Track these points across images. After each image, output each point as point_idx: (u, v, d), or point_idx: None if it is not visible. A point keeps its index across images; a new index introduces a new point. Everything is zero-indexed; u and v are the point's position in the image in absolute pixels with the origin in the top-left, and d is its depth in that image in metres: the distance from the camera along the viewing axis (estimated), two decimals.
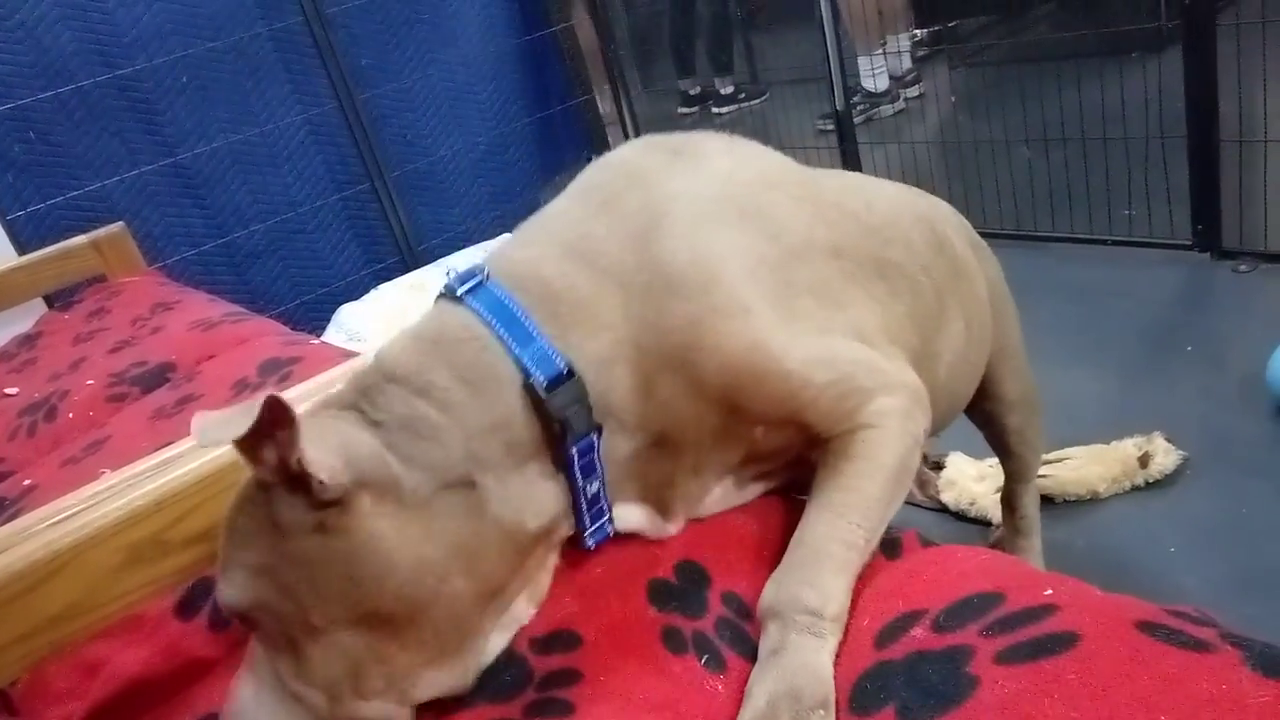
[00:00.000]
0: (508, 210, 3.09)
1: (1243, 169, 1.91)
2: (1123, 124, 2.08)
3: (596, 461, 0.64)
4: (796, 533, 0.65)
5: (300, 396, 0.77)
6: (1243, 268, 1.92)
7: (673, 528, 0.72)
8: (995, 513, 1.42)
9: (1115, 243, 2.14)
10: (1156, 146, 2.04)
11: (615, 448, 0.66)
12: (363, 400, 0.61)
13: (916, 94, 3.44)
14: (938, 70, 3.47)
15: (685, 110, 4.69)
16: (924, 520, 1.51)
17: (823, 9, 2.51)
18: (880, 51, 3.36)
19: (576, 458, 0.63)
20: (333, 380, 0.80)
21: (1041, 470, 1.38)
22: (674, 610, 0.65)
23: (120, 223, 2.11)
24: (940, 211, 1.01)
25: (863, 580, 0.64)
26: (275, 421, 0.51)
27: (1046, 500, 1.40)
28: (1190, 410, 1.56)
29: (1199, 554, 1.29)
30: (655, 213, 0.68)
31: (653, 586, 0.68)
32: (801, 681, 0.55)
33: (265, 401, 0.50)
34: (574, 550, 0.71)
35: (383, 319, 2.39)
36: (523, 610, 0.66)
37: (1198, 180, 1.96)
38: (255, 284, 2.72)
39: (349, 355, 1.30)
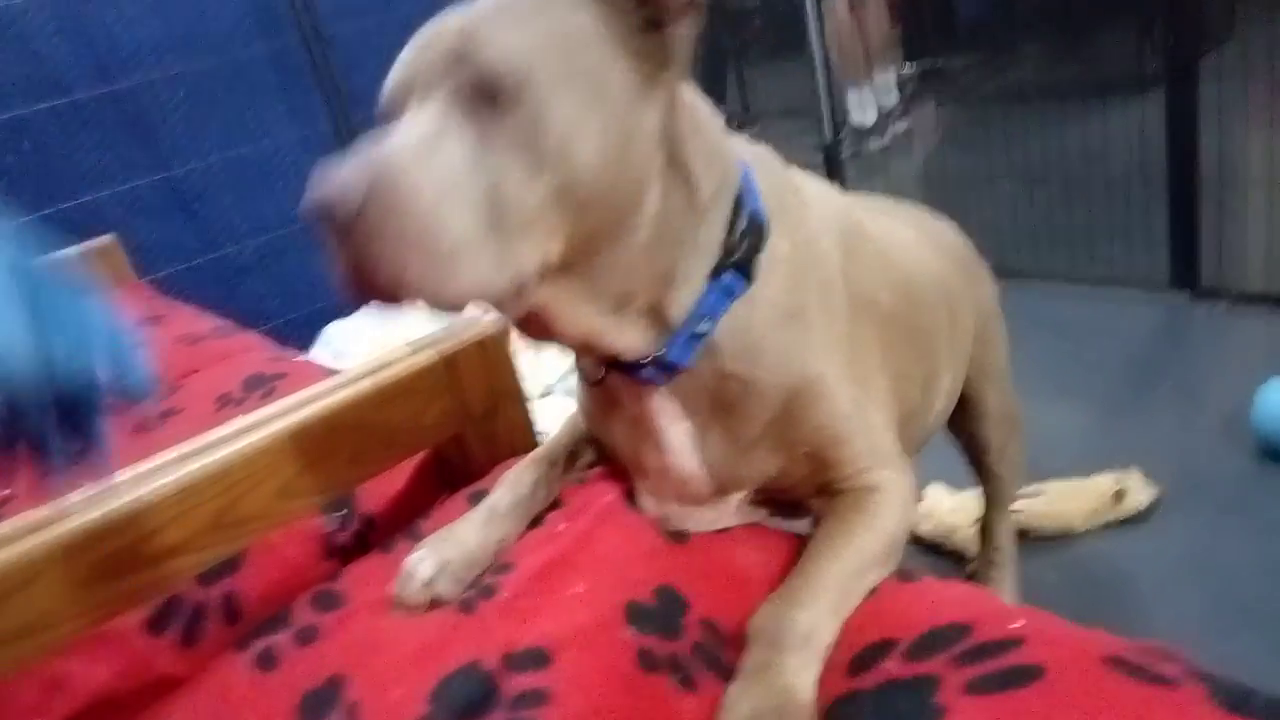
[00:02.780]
0: None
1: (1222, 210, 1.94)
2: (1104, 164, 2.12)
3: (720, 314, 0.66)
4: (798, 565, 0.67)
5: (280, 412, 0.78)
6: (1220, 307, 1.95)
7: (701, 481, 0.73)
8: (972, 545, 1.43)
9: (1097, 281, 2.17)
10: (1138, 187, 2.07)
11: (710, 370, 0.68)
12: None
13: (904, 129, 3.48)
14: (925, 107, 3.52)
15: None
16: None
17: (814, 44, 2.55)
18: (868, 86, 3.41)
19: (723, 281, 0.65)
20: (314, 396, 0.80)
21: (1018, 504, 1.39)
22: (650, 632, 0.66)
23: (111, 235, 2.11)
24: (945, 241, 1.07)
25: None
26: None
27: (1022, 534, 1.41)
28: (1167, 447, 1.57)
29: (1173, 590, 1.30)
30: (808, 199, 0.74)
31: (631, 609, 0.68)
32: (785, 701, 0.57)
33: None
34: (552, 566, 0.72)
35: (368, 337, 2.39)
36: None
37: (1177, 220, 1.99)
38: (244, 299, 2.72)
39: (333, 373, 1.31)
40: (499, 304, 0.58)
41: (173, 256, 2.56)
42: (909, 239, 0.95)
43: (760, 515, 0.78)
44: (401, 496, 0.91)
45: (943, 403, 0.99)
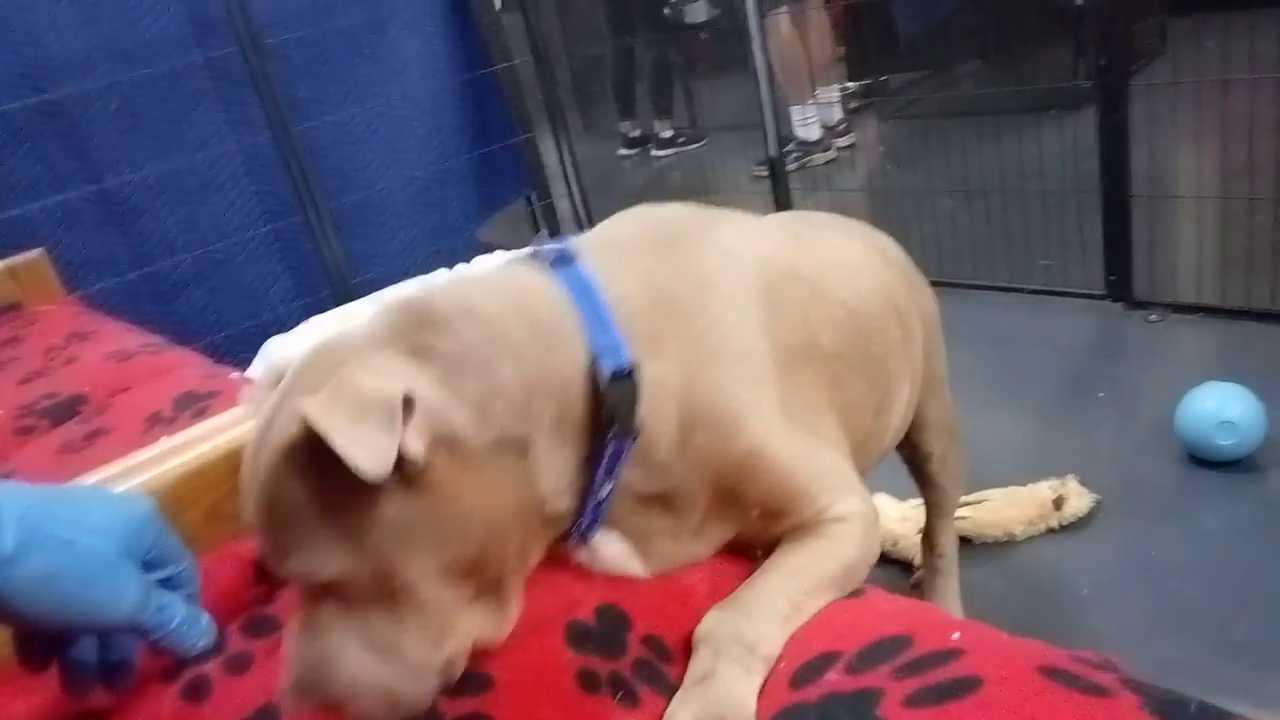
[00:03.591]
0: (444, 245, 3.08)
1: (1153, 223, 2.00)
2: (1040, 178, 2.17)
3: (618, 470, 0.64)
4: (750, 578, 0.66)
5: (209, 432, 0.75)
6: (1153, 317, 2.01)
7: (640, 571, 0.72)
8: (917, 554, 1.44)
9: (1033, 291, 2.22)
10: (1072, 200, 2.13)
11: (632, 480, 0.66)
12: (424, 330, 0.58)
13: (848, 144, 3.54)
14: (868, 122, 3.58)
15: (626, 152, 4.75)
16: None
17: (757, 61, 2.58)
18: (812, 102, 3.46)
19: (608, 454, 0.62)
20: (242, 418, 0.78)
21: (960, 512, 1.41)
22: (591, 652, 0.65)
23: (40, 249, 2.04)
24: (889, 255, 1.05)
25: None
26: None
27: (965, 541, 1.43)
28: (1103, 454, 1.61)
29: (1111, 596, 1.33)
30: (711, 271, 0.70)
31: (571, 629, 0.67)
32: (726, 710, 0.56)
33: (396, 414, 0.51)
34: None
35: None
36: (519, 601, 0.66)
37: (1110, 233, 2.05)
38: (181, 314, 2.65)
39: None
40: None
41: (106, 271, 2.49)
42: (857, 258, 0.92)
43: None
44: None
45: (899, 420, 0.99)
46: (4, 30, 2.28)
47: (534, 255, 0.68)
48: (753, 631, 0.61)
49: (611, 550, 0.70)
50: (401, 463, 0.52)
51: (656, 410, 0.64)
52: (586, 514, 0.65)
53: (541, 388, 0.60)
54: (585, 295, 0.64)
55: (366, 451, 0.50)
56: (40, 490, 0.56)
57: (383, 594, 0.56)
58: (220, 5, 2.47)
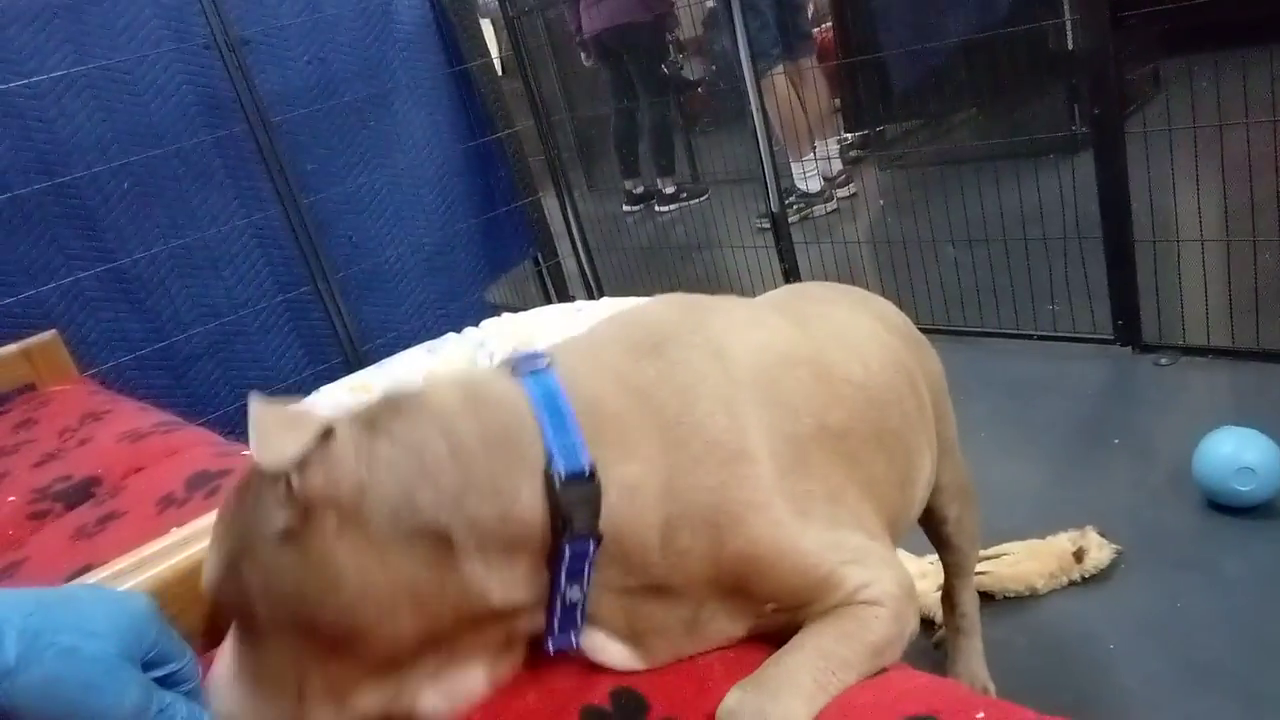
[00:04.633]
0: (453, 310, 3.10)
1: (1157, 266, 2.00)
2: (1041, 224, 2.18)
3: (586, 571, 0.63)
4: (775, 654, 0.65)
5: None
6: (1163, 361, 2.00)
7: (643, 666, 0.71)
8: (937, 612, 1.42)
9: (1041, 337, 2.21)
10: (1074, 245, 2.13)
11: (612, 579, 0.65)
12: (385, 414, 0.62)
13: (849, 194, 3.57)
14: (867, 172, 3.61)
15: (630, 209, 4.80)
16: None
17: (755, 117, 2.62)
18: (811, 157, 3.51)
19: (567, 557, 0.62)
20: None
21: (980, 566, 1.39)
22: None
23: (53, 331, 2.07)
24: (890, 321, 1.04)
25: None
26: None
27: (986, 597, 1.40)
28: (1120, 503, 1.59)
29: (1138, 650, 1.30)
30: (699, 372, 0.69)
31: (586, 713, 0.66)
32: None
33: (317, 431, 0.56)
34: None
35: None
36: (476, 683, 0.65)
37: (1115, 277, 2.05)
38: (194, 388, 2.67)
39: None
40: None
41: (119, 348, 2.51)
42: (862, 332, 0.91)
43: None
44: None
45: (924, 490, 0.98)
46: (15, 116, 2.33)
47: (507, 363, 0.69)
48: (777, 713, 0.60)
49: (607, 653, 0.69)
50: (292, 511, 0.57)
51: (630, 514, 0.64)
52: (555, 613, 0.64)
53: (483, 487, 0.61)
54: (549, 399, 0.64)
55: (269, 448, 0.55)
56: (39, 594, 0.56)
57: (246, 628, 0.61)
58: (228, 85, 2.53)
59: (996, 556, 1.48)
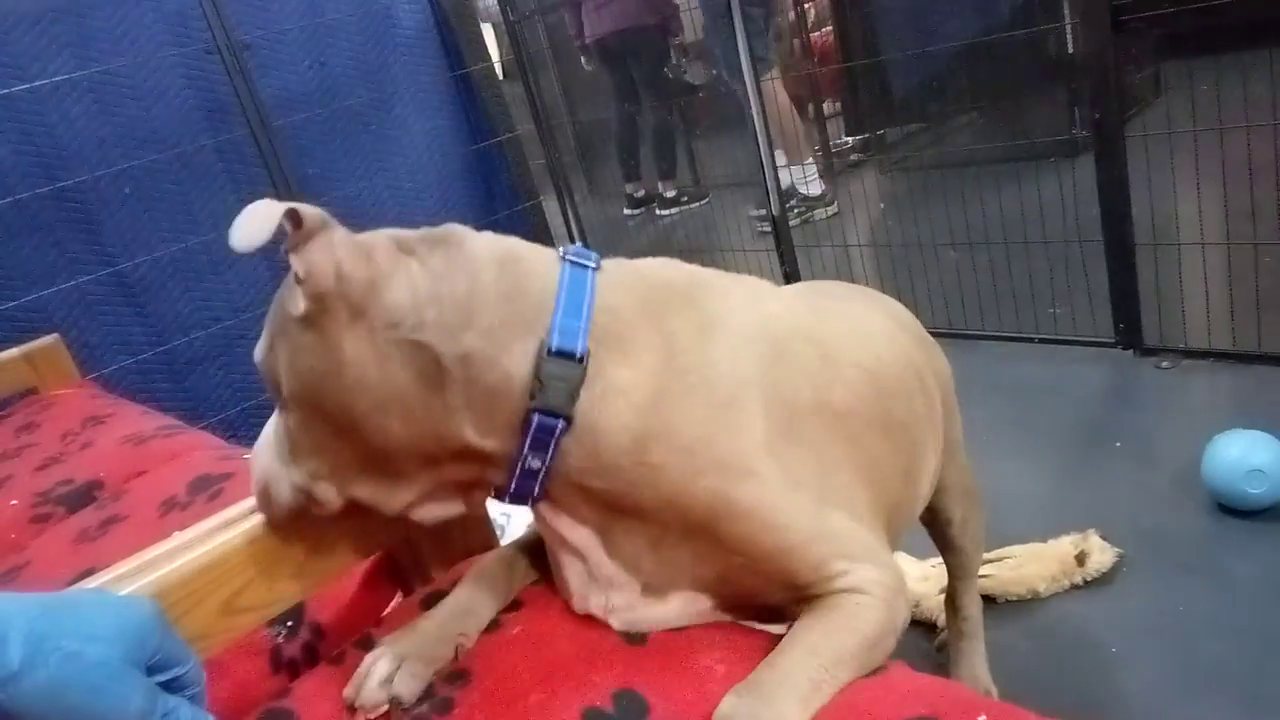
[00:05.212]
0: None
1: (1159, 269, 2.00)
2: (1042, 227, 2.18)
3: (551, 447, 0.66)
4: (769, 657, 0.65)
5: (221, 525, 0.75)
6: (1164, 364, 2.00)
7: (616, 594, 0.72)
8: (939, 614, 1.42)
9: (1042, 340, 2.21)
10: (1075, 248, 2.13)
11: (584, 473, 0.67)
12: (428, 243, 0.68)
13: (828, 214, 3.57)
14: (868, 175, 3.61)
15: (630, 212, 4.81)
16: None
17: (754, 121, 2.62)
18: (811, 161, 3.51)
19: (534, 426, 0.65)
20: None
21: (982, 570, 1.39)
22: None
23: (55, 335, 2.08)
24: (902, 321, 1.04)
25: None
26: (295, 226, 0.63)
27: (988, 600, 1.40)
28: (1122, 506, 1.59)
29: (1140, 653, 1.30)
30: (718, 320, 0.72)
31: (587, 715, 0.66)
32: None
33: (288, 212, 0.62)
34: (509, 674, 0.70)
35: None
36: (452, 509, 0.73)
37: (1116, 281, 2.05)
38: (195, 391, 2.68)
39: None
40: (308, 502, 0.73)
41: (121, 351, 2.52)
42: (874, 325, 0.92)
43: (730, 618, 0.75)
44: (352, 604, 0.88)
45: (928, 487, 0.98)
46: (18, 121, 2.34)
47: (562, 249, 0.72)
48: (770, 717, 0.60)
49: (576, 538, 0.71)
50: (311, 300, 0.64)
51: (607, 411, 0.66)
52: (515, 478, 0.68)
53: (482, 330, 0.65)
54: (574, 287, 0.68)
55: (243, 231, 0.62)
56: (44, 599, 0.56)
57: (280, 402, 0.70)
58: (230, 90, 2.53)
59: (999, 560, 1.48)
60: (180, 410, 2.37)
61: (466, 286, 0.66)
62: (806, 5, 4.74)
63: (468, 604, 0.77)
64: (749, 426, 0.68)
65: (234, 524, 0.77)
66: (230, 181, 2.68)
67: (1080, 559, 1.44)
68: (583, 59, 4.73)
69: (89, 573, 0.80)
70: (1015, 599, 1.44)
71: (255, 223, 0.62)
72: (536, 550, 0.83)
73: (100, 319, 2.50)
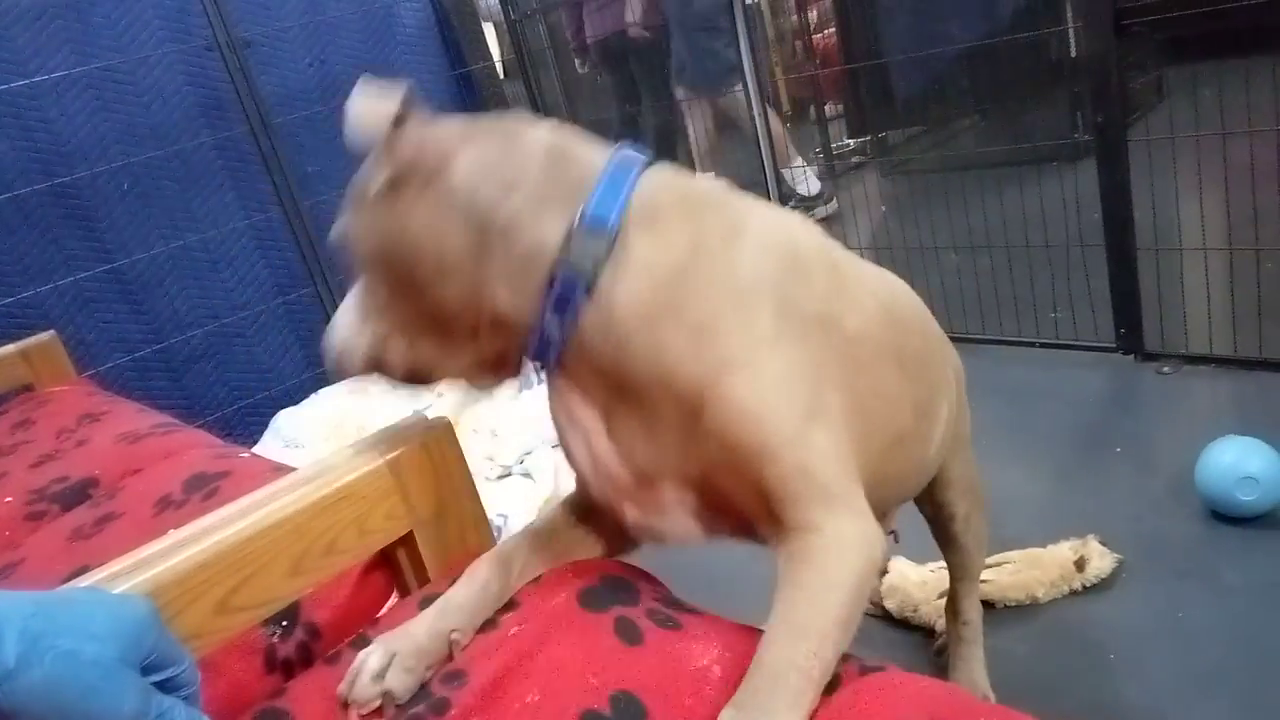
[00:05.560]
0: None
1: (1160, 275, 2.00)
2: (1044, 231, 2.18)
3: (570, 307, 0.70)
4: (758, 652, 0.65)
5: (216, 524, 0.75)
6: (1165, 369, 1.99)
7: (616, 465, 0.75)
8: (937, 620, 1.41)
9: (1043, 345, 2.21)
10: (1077, 253, 2.13)
11: (598, 354, 0.72)
12: (489, 127, 0.75)
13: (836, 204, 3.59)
14: (869, 178, 3.61)
15: None
16: (867, 626, 1.50)
17: (756, 123, 2.62)
18: (800, 162, 3.53)
19: (558, 288, 0.70)
20: (252, 505, 0.78)
21: (982, 575, 1.38)
22: None
23: (51, 331, 2.07)
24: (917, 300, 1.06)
25: None
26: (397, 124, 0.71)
27: (987, 605, 1.39)
28: (1122, 512, 1.58)
29: (1138, 659, 1.29)
30: (746, 222, 0.76)
31: (586, 718, 0.66)
32: None
33: (395, 117, 0.71)
34: (505, 675, 0.69)
35: (321, 424, 2.35)
36: (489, 380, 0.81)
37: (1118, 285, 2.04)
38: (192, 389, 2.67)
39: (280, 468, 1.27)
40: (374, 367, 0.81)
41: (117, 349, 2.51)
42: (898, 283, 0.96)
43: (718, 530, 0.76)
44: (348, 604, 0.88)
45: (938, 442, 0.97)
46: (16, 117, 2.33)
47: (619, 143, 0.79)
48: None
49: (586, 414, 0.76)
50: (389, 179, 0.72)
51: (627, 281, 0.70)
52: (533, 341, 0.73)
53: (528, 199, 0.71)
54: (620, 171, 0.73)
55: (355, 113, 0.73)
56: (39, 597, 0.55)
57: (356, 271, 0.79)
58: (229, 87, 2.53)
59: (998, 565, 1.47)
60: (176, 408, 2.36)
61: (517, 165, 0.72)
62: (809, 7, 4.74)
63: (462, 601, 0.76)
64: (756, 322, 0.71)
65: (229, 523, 0.76)
66: (229, 179, 2.67)
67: (1079, 564, 1.43)
68: (576, 61, 4.72)
69: (83, 570, 0.80)
70: (1014, 604, 1.43)
71: (371, 119, 0.72)
72: (534, 547, 0.83)
73: (97, 316, 2.49)
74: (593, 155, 0.75)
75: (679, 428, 0.71)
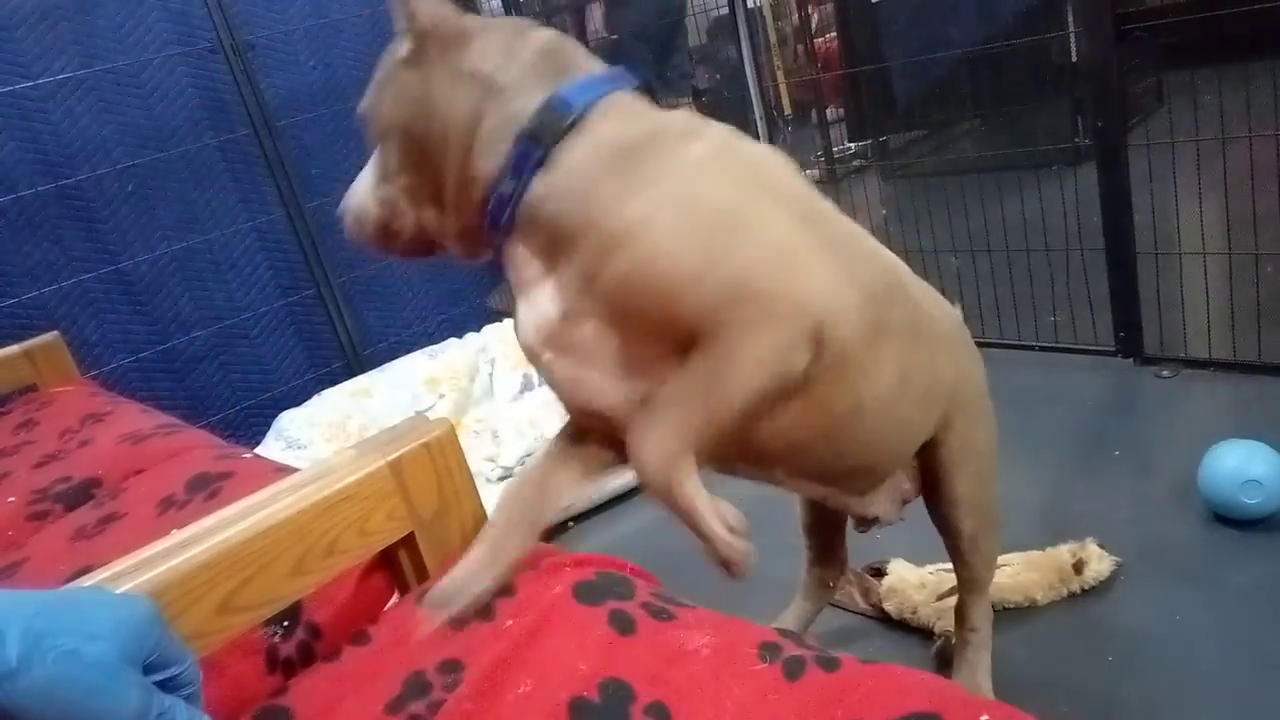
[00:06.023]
0: (455, 315, 3.11)
1: (1160, 279, 2.00)
2: (1044, 235, 2.18)
3: (525, 172, 0.79)
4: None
5: (218, 525, 0.75)
6: (1165, 373, 2.00)
7: (550, 311, 0.81)
8: (936, 621, 1.42)
9: (1043, 348, 2.21)
10: (1077, 256, 2.13)
11: (544, 201, 0.79)
12: (499, 23, 0.86)
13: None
14: (870, 182, 3.61)
15: None
16: (866, 627, 1.51)
17: (759, 125, 2.62)
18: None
19: (517, 149, 0.80)
20: (254, 506, 0.78)
21: None
22: None
23: (55, 332, 2.08)
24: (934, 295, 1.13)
25: (800, 687, 0.64)
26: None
27: None
28: (1121, 515, 1.59)
29: (1136, 663, 1.30)
30: (708, 130, 0.84)
31: (575, 705, 0.67)
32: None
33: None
34: (499, 666, 0.71)
35: (324, 426, 2.35)
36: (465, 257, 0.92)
37: (1117, 289, 2.05)
38: (195, 390, 2.68)
39: (282, 469, 1.28)
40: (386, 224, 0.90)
41: (121, 350, 2.52)
42: (886, 253, 1.00)
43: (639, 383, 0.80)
44: (349, 603, 0.88)
45: (875, 403, 0.93)
46: (21, 118, 2.34)
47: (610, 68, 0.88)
48: (648, 446, 0.76)
49: (527, 270, 0.83)
50: (413, 47, 0.83)
51: (577, 150, 0.79)
52: (492, 200, 0.81)
53: (524, 71, 0.82)
54: (606, 77, 0.84)
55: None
56: (42, 596, 0.56)
57: (376, 138, 0.88)
58: (233, 89, 2.54)
59: (997, 567, 1.47)
60: (179, 409, 2.37)
61: (520, 49, 0.83)
62: (811, 11, 4.75)
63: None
64: (712, 183, 0.79)
65: (231, 523, 0.77)
66: (232, 181, 2.68)
67: (1078, 567, 1.44)
68: None
69: (86, 570, 0.80)
70: (1012, 606, 1.44)
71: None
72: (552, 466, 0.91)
73: (101, 317, 2.50)
74: (588, 62, 0.85)
75: (605, 281, 0.77)
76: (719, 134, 0.83)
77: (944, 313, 1.11)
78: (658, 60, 4.07)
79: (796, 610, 1.43)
